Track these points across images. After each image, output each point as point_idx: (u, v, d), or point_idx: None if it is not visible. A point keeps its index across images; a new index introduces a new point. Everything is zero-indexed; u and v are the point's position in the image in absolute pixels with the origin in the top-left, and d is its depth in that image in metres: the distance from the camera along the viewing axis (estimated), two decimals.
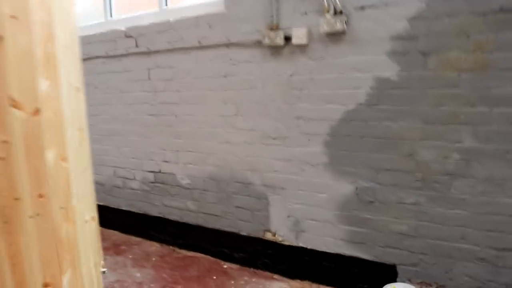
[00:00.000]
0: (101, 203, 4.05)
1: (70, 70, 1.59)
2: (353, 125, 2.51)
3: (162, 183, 3.52)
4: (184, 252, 3.41)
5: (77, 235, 1.60)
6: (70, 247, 1.55)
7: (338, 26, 2.42)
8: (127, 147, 3.75)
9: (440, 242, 2.31)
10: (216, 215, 3.22)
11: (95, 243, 1.85)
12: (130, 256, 3.38)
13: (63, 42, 1.53)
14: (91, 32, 3.91)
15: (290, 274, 2.88)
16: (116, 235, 3.85)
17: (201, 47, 3.11)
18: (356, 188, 2.54)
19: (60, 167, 1.49)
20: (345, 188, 2.58)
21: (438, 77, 2.22)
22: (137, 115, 3.62)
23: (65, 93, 1.52)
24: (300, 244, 2.82)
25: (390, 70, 2.35)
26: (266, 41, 2.71)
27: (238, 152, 3.03)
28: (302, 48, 2.65)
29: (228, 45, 2.97)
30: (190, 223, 3.39)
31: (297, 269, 2.85)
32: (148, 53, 3.43)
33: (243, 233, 3.09)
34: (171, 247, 3.52)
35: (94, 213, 1.90)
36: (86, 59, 3.91)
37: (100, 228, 4.26)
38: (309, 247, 2.79)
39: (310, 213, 2.74)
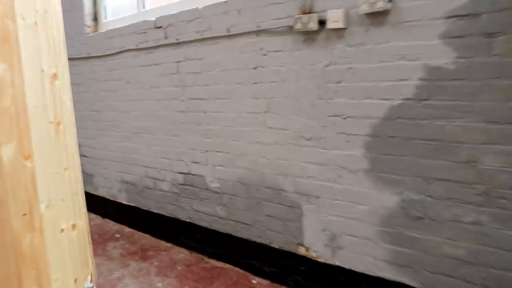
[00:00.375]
0: (132, 204, 3.97)
1: (40, 54, 1.41)
2: (399, 124, 2.14)
3: (191, 185, 3.34)
4: (213, 262, 3.20)
5: (46, 247, 1.42)
6: (35, 261, 1.37)
7: (380, 4, 2.06)
8: (157, 146, 3.61)
9: (507, 273, 1.90)
10: (246, 224, 2.98)
11: (78, 255, 1.67)
12: (156, 263, 3.24)
13: (29, 20, 1.34)
14: (123, 24, 3.82)
15: None
16: (146, 239, 3.74)
17: (230, 36, 2.86)
18: (402, 201, 2.17)
19: (22, 166, 1.31)
20: (388, 199, 2.22)
21: (506, 64, 1.80)
22: (166, 112, 3.46)
23: (31, 80, 1.34)
24: (337, 263, 2.49)
25: (445, 57, 1.96)
26: (298, 26, 2.41)
27: (269, 154, 2.76)
28: (338, 33, 2.31)
29: (258, 32, 2.70)
30: (219, 230, 3.17)
31: None
32: (177, 44, 3.25)
33: (274, 245, 2.81)
34: (200, 255, 3.33)
35: (76, 220, 1.71)
36: (118, 53, 3.83)
37: (131, 230, 4.22)
38: (346, 266, 2.46)
39: (348, 227, 2.41)
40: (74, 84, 4.49)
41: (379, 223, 2.28)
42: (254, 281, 2.89)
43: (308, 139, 2.53)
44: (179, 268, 3.15)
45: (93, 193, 4.49)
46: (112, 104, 4.03)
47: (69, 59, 4.48)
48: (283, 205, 2.72)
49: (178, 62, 3.27)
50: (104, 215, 4.39)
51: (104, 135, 4.21)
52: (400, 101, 2.12)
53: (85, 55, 4.26)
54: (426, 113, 2.04)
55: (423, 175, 2.09)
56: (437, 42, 1.97)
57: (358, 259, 2.39)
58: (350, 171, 2.35)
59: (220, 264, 3.16)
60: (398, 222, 2.20)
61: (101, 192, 4.36)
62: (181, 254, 3.38)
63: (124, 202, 4.07)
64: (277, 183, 2.74)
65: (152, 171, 3.69)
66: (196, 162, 3.26)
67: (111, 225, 4.14)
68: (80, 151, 4.60)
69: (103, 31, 4.13)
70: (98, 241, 3.74)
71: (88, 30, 4.26)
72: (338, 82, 2.34)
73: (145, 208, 3.83)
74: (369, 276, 2.35)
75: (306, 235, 2.62)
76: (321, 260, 2.56)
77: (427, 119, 2.04)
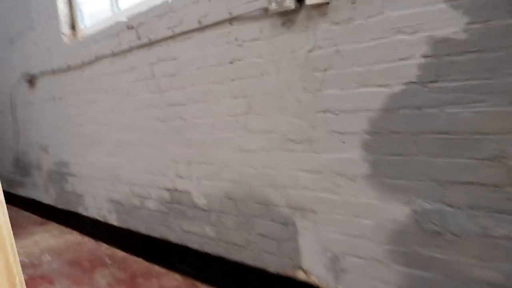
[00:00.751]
0: (122, 226, 3.60)
1: None
2: (403, 115, 1.69)
3: (179, 203, 2.94)
4: None
5: None
6: None
7: None
8: (140, 161, 3.23)
9: None
10: (238, 245, 2.56)
11: None
12: None
13: None
14: (98, 30, 3.47)
15: None
16: (138, 264, 3.36)
17: (202, 28, 2.46)
18: (414, 212, 1.72)
19: None
20: (397, 211, 1.78)
21: None
22: (146, 122, 3.08)
23: None
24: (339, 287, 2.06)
25: (453, 25, 1.51)
26: (273, 6, 1.98)
27: (255, 163, 2.34)
28: (321, 9, 1.88)
29: (231, 20, 2.28)
30: (211, 253, 2.77)
31: None
32: (150, 44, 2.86)
33: (270, 269, 2.39)
34: (193, 281, 2.92)
35: None
36: (94, 61, 3.48)
37: (124, 254, 3.87)
38: None
39: (351, 247, 1.97)
40: (58, 98, 4.17)
41: (388, 241, 1.83)
42: None
43: (297, 143, 2.10)
44: None
45: (85, 214, 4.15)
46: (93, 116, 3.68)
47: (51, 72, 4.17)
48: (275, 222, 2.30)
49: (152, 64, 2.89)
50: (97, 238, 4.04)
51: (89, 151, 3.86)
52: (402, 87, 1.68)
53: (64, 67, 3.93)
54: (435, 99, 1.59)
55: (438, 179, 1.63)
56: (442, 7, 1.52)
57: (366, 284, 1.94)
58: (349, 178, 1.92)
59: None
60: (411, 239, 1.75)
61: (92, 213, 4.02)
62: (174, 281, 2.99)
63: (115, 223, 3.71)
64: (266, 197, 2.31)
65: (137, 188, 3.31)
66: (180, 177, 2.87)
67: (104, 249, 3.78)
68: (68, 170, 4.28)
69: (80, 39, 3.79)
70: (87, 268, 3.38)
71: (65, 39, 3.93)
72: (325, 70, 1.91)
73: (135, 230, 3.46)
74: None
75: (304, 256, 2.19)
76: (323, 286, 2.12)
77: (436, 106, 1.59)
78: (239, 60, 2.28)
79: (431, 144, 1.63)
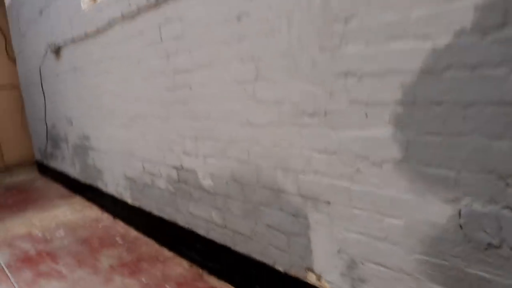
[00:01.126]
0: (136, 204, 3.30)
1: None
2: (450, 80, 1.19)
3: (185, 183, 2.57)
4: (211, 282, 2.42)
5: None
6: None
7: None
8: (150, 134, 2.88)
9: None
10: (244, 235, 2.15)
11: None
12: (144, 280, 2.52)
13: None
14: None
15: None
16: (148, 246, 3.05)
17: None
18: (460, 214, 1.23)
19: None
20: (436, 211, 1.29)
21: None
22: (154, 91, 2.71)
23: None
24: None
25: None
26: None
27: (263, 140, 1.90)
28: None
29: None
30: (217, 241, 2.39)
31: None
32: (157, 4, 2.47)
33: (279, 267, 1.97)
34: (199, 270, 2.57)
35: None
36: (107, 26, 3.13)
37: (137, 235, 3.58)
38: None
39: (373, 252, 1.51)
40: (78, 69, 3.90)
41: (421, 249, 1.35)
42: None
43: (311, 116, 1.64)
44: None
45: (104, 190, 3.89)
46: (109, 87, 3.36)
47: (71, 41, 3.89)
48: (284, 212, 1.87)
49: (160, 26, 2.49)
50: (115, 215, 3.78)
51: (106, 125, 3.57)
52: (449, 38, 1.17)
53: (82, 35, 3.63)
54: (500, 55, 1.08)
55: (497, 170, 1.13)
56: None
57: None
58: (373, 163, 1.44)
59: (219, 284, 2.37)
60: (453, 250, 1.27)
61: (110, 189, 3.75)
62: (179, 267, 2.64)
63: (129, 201, 3.42)
64: (275, 181, 1.88)
65: (149, 165, 2.97)
66: (187, 154, 2.48)
67: (119, 228, 3.51)
68: (89, 144, 4.02)
69: (96, 3, 3.46)
70: (96, 247, 3.11)
71: (84, 5, 3.62)
72: (347, 20, 1.42)
73: (147, 210, 3.14)
74: None
75: (316, 257, 1.75)
76: None
77: (501, 65, 1.08)
78: (247, 16, 1.83)
79: (490, 120, 1.12)
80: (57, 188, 5.13)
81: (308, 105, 1.63)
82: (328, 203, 1.63)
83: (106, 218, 3.79)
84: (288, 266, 1.90)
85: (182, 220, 2.69)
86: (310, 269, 1.77)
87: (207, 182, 2.34)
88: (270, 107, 1.81)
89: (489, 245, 1.17)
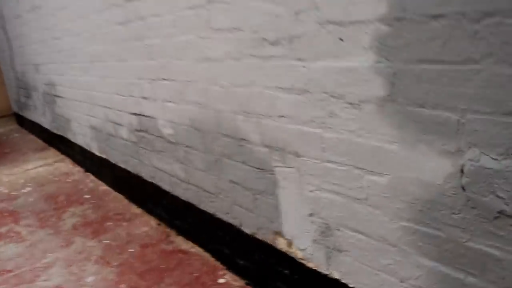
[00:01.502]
0: (103, 156, 2.98)
1: None
2: None
3: (146, 131, 2.23)
4: (178, 242, 2.14)
5: None
6: None
7: None
8: (109, 78, 2.50)
9: None
10: (208, 192, 1.84)
11: None
12: (106, 241, 2.26)
13: None
14: None
15: None
16: (116, 202, 2.75)
17: None
18: (462, 171, 0.90)
19: None
20: (431, 167, 0.95)
21: None
22: (108, 26, 2.30)
23: None
24: (334, 275, 1.31)
25: None
26: None
27: (221, 77, 1.53)
28: None
29: None
30: (182, 198, 2.08)
31: None
32: None
33: (246, 229, 1.67)
34: (167, 229, 2.29)
35: None
36: None
37: (106, 189, 3.28)
38: (350, 285, 1.27)
39: (351, 216, 1.19)
40: (37, 8, 3.43)
41: (409, 215, 1.03)
42: (221, 280, 1.80)
43: (273, 44, 1.26)
44: (131, 250, 2.14)
45: (73, 141, 3.56)
46: (67, 26, 2.93)
47: None
48: (248, 165, 1.54)
49: None
50: (85, 168, 3.48)
51: (68, 69, 3.17)
52: None
53: None
54: None
55: None
56: None
57: (371, 276, 1.19)
58: (351, 103, 1.09)
59: (186, 246, 2.10)
60: (452, 219, 0.94)
61: (79, 140, 3.41)
62: (146, 226, 2.36)
63: (97, 153, 3.10)
64: (236, 128, 1.53)
65: (111, 113, 2.61)
66: (145, 98, 2.12)
67: (89, 182, 3.21)
68: (55, 91, 3.64)
69: None
70: (62, 204, 2.83)
71: None
72: None
73: (113, 162, 2.83)
74: None
75: (285, 219, 1.44)
76: (310, 265, 1.39)
77: None
78: None
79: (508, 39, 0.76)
80: (32, 141, 4.80)
81: (269, 31, 1.25)
82: (297, 155, 1.29)
83: (77, 172, 3.49)
84: (255, 228, 1.59)
85: (146, 173, 2.37)
86: (279, 234, 1.47)
87: (167, 131, 2.00)
88: (227, 36, 1.43)
89: (501, 213, 0.84)
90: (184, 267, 1.92)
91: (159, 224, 2.35)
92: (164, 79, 1.90)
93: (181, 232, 2.17)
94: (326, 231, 1.27)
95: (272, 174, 1.41)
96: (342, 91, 1.09)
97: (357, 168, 1.11)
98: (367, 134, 1.06)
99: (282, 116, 1.31)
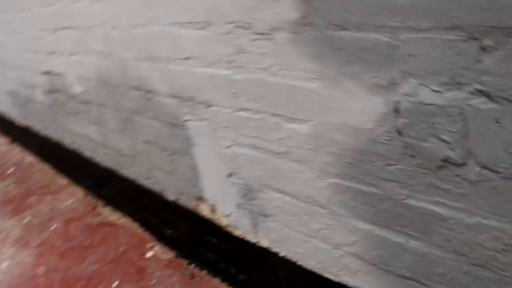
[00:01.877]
0: (24, 123, 2.63)
1: None
2: None
3: (58, 91, 1.91)
4: (105, 214, 1.89)
5: None
6: None
7: None
8: (14, 33, 2.13)
9: None
10: (127, 155, 1.58)
11: None
12: (27, 219, 1.97)
13: None
14: None
15: None
16: (42, 174, 2.43)
17: None
18: (397, 110, 0.68)
19: None
20: (359, 107, 0.71)
21: None
22: None
23: None
24: (263, 243, 1.11)
25: None
26: None
27: (119, 17, 1.23)
28: None
29: None
30: (103, 164, 1.82)
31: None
32: None
33: (168, 195, 1.43)
34: (94, 200, 2.03)
35: None
36: None
37: (33, 160, 2.94)
38: (281, 253, 1.08)
39: (273, 174, 0.96)
40: None
41: (337, 170, 0.81)
42: (149, 254, 1.58)
43: None
44: (54, 227, 1.87)
45: None
46: None
47: None
48: (160, 121, 1.28)
49: None
50: (13, 138, 3.11)
51: None
52: None
53: None
54: None
55: (466, 21, 0.56)
56: None
57: (301, 242, 1.00)
58: (260, 33, 0.84)
59: (114, 217, 1.84)
60: (387, 171, 0.72)
61: (2, 107, 3.03)
62: (71, 199, 2.08)
63: (17, 120, 2.74)
64: (143, 78, 1.26)
65: (23, 74, 2.25)
66: (51, 53, 1.79)
67: (14, 154, 2.86)
68: None
69: None
70: None
71: None
72: None
73: (35, 129, 2.49)
74: (325, 279, 0.97)
75: (205, 182, 1.21)
76: (237, 233, 1.18)
77: None
78: None
79: None
80: None
81: None
82: (208, 104, 1.04)
83: (3, 143, 3.12)
84: (177, 194, 1.36)
85: (67, 139, 2.07)
86: (202, 199, 1.24)
87: (77, 89, 1.70)
88: None
89: (446, 161, 0.64)
90: (110, 241, 1.69)
91: (85, 196, 2.08)
92: (65, 27, 1.58)
93: (108, 202, 1.92)
94: (248, 193, 1.05)
95: (185, 129, 1.17)
96: (249, 18, 0.84)
97: (274, 115, 0.88)
98: (282, 72, 0.82)
99: (187, 58, 1.04)
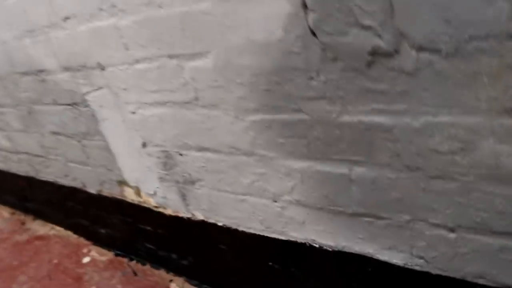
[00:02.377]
0: None
1: None
2: None
3: None
4: (34, 228, 1.64)
5: None
6: None
7: None
8: None
9: None
10: (40, 156, 1.36)
11: None
12: None
13: None
14: None
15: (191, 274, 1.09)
16: None
17: None
18: (304, 3, 0.55)
19: None
20: (263, 12, 0.56)
21: None
22: None
23: None
24: (197, 216, 0.95)
25: None
26: None
27: None
28: None
29: None
30: (19, 173, 1.58)
31: (202, 265, 1.04)
32: None
33: (90, 189, 1.23)
34: (22, 216, 1.78)
35: None
36: None
37: None
38: (219, 222, 0.92)
39: (188, 129, 0.79)
40: None
41: (256, 101, 0.66)
42: (86, 259, 1.37)
43: None
44: None
45: None
46: None
47: None
48: (60, 104, 1.08)
49: None
50: None
51: None
52: None
53: None
54: None
55: None
56: None
57: (235, 204, 0.84)
58: None
59: (44, 229, 1.61)
60: (312, 87, 0.58)
61: None
62: None
63: None
64: (29, 58, 1.04)
65: None
66: None
67: None
68: None
69: None
70: None
71: None
72: None
73: None
74: (276, 240, 0.83)
75: (122, 162, 1.02)
76: (168, 211, 1.00)
77: None
78: None
79: None
80: None
81: None
82: (101, 67, 0.85)
83: None
84: (98, 185, 1.17)
85: None
86: (124, 183, 1.06)
87: None
88: None
89: (375, 53, 0.50)
90: (42, 256, 1.46)
91: (13, 213, 1.83)
92: None
93: (36, 215, 1.68)
94: (167, 161, 0.88)
95: (87, 106, 0.97)
96: None
97: (172, 56, 0.71)
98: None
99: (66, 19, 0.85)
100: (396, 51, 0.49)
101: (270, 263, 0.86)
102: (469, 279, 0.60)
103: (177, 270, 1.12)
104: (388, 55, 0.49)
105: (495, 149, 0.49)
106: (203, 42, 0.65)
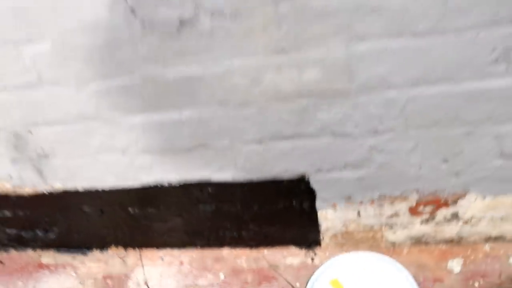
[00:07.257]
0: None
1: None
2: None
3: None
4: None
5: None
6: None
7: None
8: None
9: None
10: None
11: None
12: None
13: None
14: None
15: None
16: None
17: None
18: None
19: None
20: None
21: None
22: None
23: None
24: (57, 187, 0.93)
25: None
26: None
27: None
28: None
29: None
30: None
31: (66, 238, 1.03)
32: None
33: None
34: None
35: None
36: None
37: None
38: (78, 187, 0.93)
39: (34, 108, 0.76)
40: None
41: (91, 72, 0.69)
42: None
43: None
44: None
45: None
46: None
47: None
48: None
49: None
50: None
51: None
52: None
53: None
54: None
55: None
56: None
57: (90, 167, 0.86)
58: None
59: None
60: (139, 56, 0.67)
61: None
62: None
63: None
64: None
65: None
66: None
67: None
68: None
69: None
70: None
71: None
72: None
73: None
74: (131, 190, 0.89)
75: None
76: (28, 190, 0.94)
77: None
78: None
79: None
80: None
81: None
82: None
83: None
84: None
85: None
86: None
87: None
88: None
89: (183, 23, 0.61)
90: None
91: None
92: None
93: None
94: (18, 142, 0.84)
95: None
96: None
97: (10, 42, 0.69)
98: None
99: None
100: (196, 18, 0.61)
101: (130, 210, 0.91)
102: (279, 176, 0.78)
103: (45, 245, 1.06)
104: (191, 22, 0.61)
105: (274, 79, 0.65)
106: (35, 25, 0.66)
